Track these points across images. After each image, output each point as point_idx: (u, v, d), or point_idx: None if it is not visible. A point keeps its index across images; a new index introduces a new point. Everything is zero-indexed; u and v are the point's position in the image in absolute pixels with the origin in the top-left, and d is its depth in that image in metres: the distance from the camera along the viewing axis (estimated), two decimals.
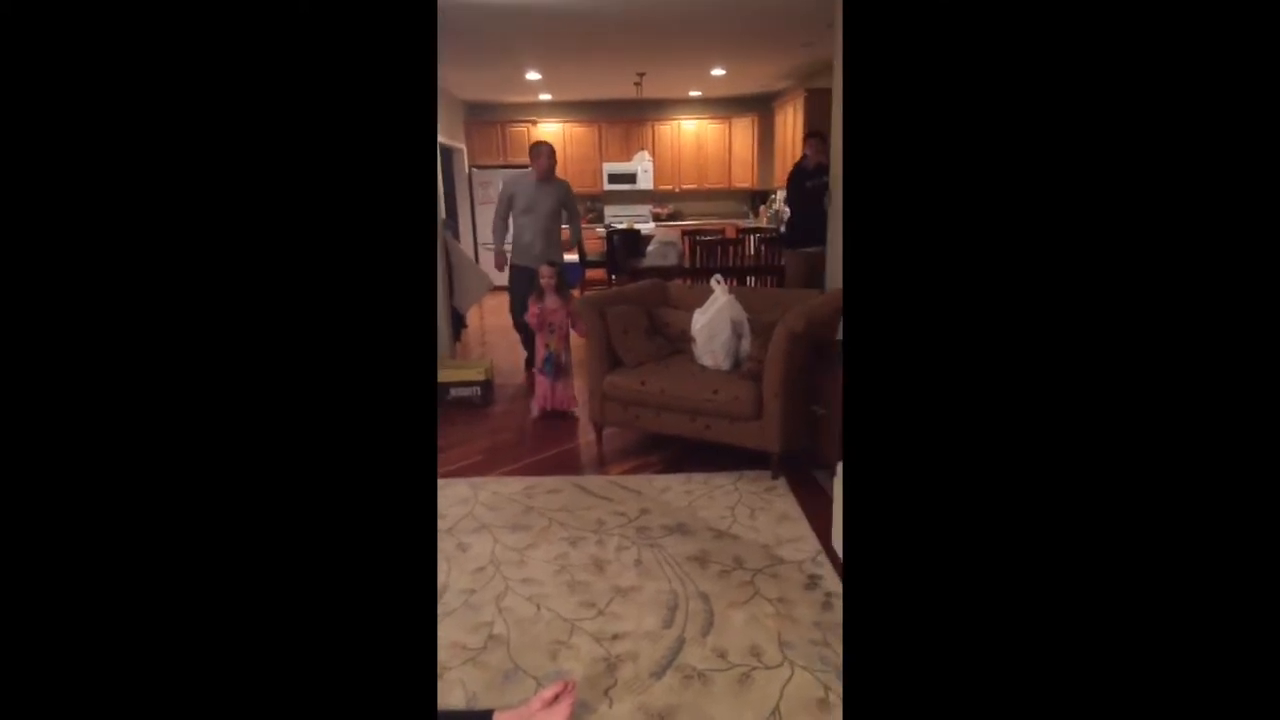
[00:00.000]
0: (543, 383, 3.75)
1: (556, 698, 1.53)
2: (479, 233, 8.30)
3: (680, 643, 1.87)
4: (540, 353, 3.76)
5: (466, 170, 8.23)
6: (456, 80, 6.88)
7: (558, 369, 3.72)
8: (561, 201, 4.42)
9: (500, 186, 4.37)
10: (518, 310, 4.35)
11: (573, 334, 3.74)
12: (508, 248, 4.47)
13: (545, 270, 3.73)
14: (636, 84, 7.08)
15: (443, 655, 1.83)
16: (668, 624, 1.96)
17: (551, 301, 3.73)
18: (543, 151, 4.31)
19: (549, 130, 8.51)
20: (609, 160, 8.52)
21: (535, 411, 3.75)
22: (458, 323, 4.84)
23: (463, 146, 8.20)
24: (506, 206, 4.39)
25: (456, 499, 2.77)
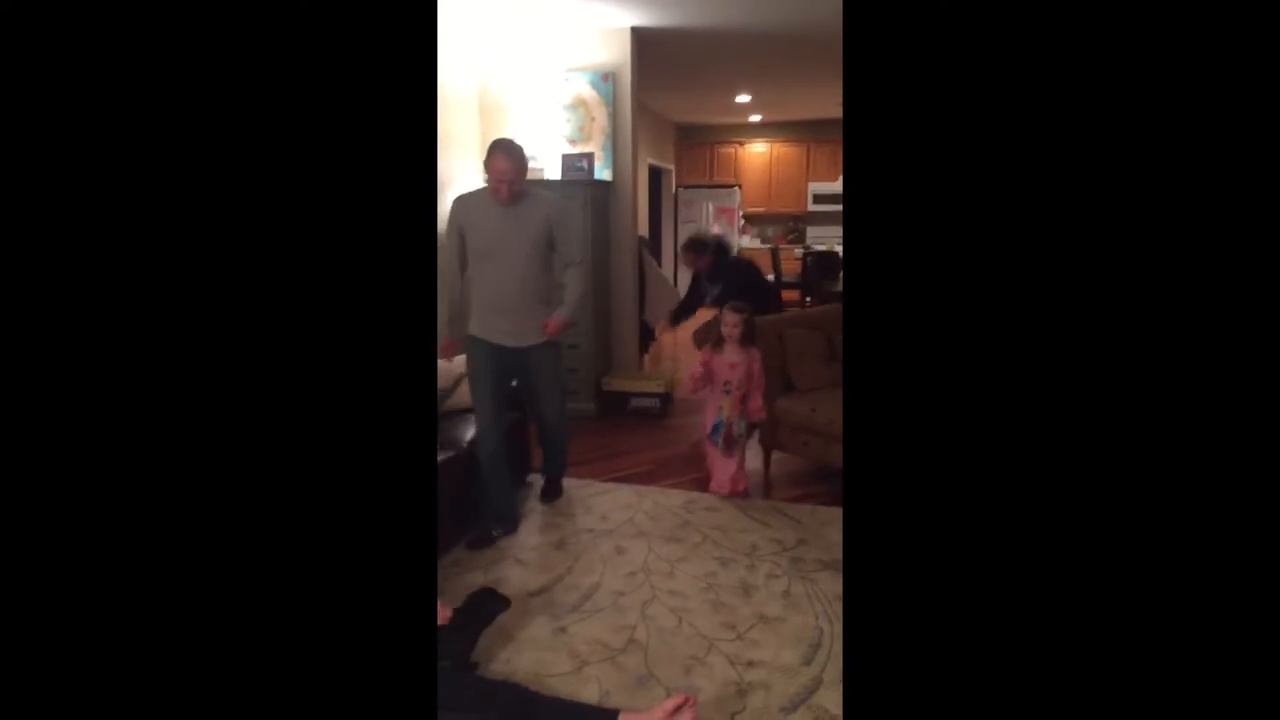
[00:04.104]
0: (715, 457, 2.99)
1: (678, 710, 1.56)
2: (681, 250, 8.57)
3: (817, 683, 1.81)
4: (710, 417, 3.00)
5: (674, 190, 8.55)
6: (668, 104, 7.18)
7: (729, 441, 2.94)
8: (547, 233, 2.42)
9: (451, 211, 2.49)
10: (484, 414, 2.47)
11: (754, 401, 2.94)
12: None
13: (731, 318, 2.90)
14: None
15: (584, 650, 1.94)
16: (807, 661, 1.90)
17: (733, 355, 2.93)
18: (501, 153, 2.26)
19: (756, 150, 8.56)
20: (815, 180, 8.37)
21: (713, 490, 2.98)
22: (647, 336, 5.04)
23: (671, 168, 8.52)
24: (458, 246, 2.47)
25: (620, 504, 2.89)
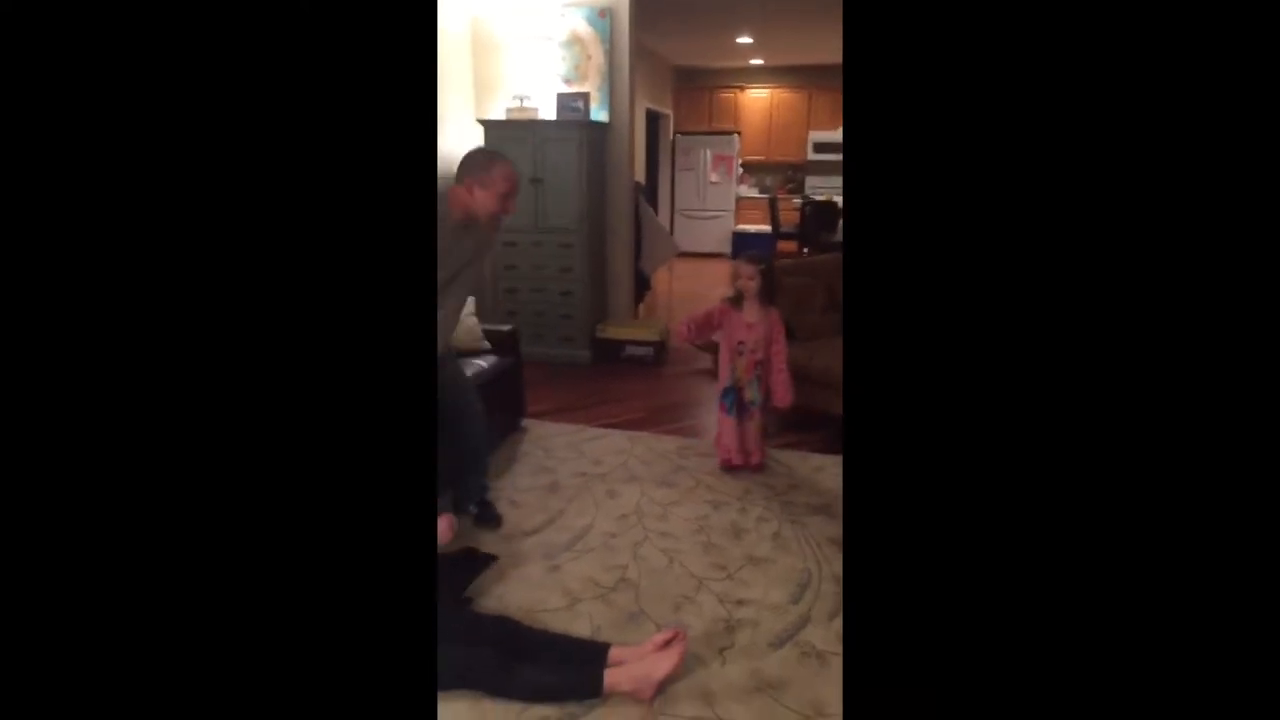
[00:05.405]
0: (726, 424, 2.70)
1: (668, 644, 1.59)
2: (677, 198, 8.44)
3: (804, 620, 1.84)
4: (722, 379, 2.72)
5: (671, 136, 8.37)
6: (667, 46, 6.98)
7: (741, 407, 2.68)
8: (477, 257, 2.18)
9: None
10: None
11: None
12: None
13: (746, 269, 2.62)
14: None
15: (576, 587, 1.97)
16: (795, 600, 1.93)
17: (751, 313, 2.64)
18: (496, 174, 1.98)
19: (757, 96, 8.36)
20: (816, 128, 8.21)
21: (720, 460, 2.75)
22: (642, 285, 5.00)
23: (669, 112, 8.33)
24: None
25: (613, 449, 2.91)
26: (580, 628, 1.80)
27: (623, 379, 3.86)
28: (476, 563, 1.95)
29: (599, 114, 4.05)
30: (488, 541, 2.18)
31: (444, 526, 1.75)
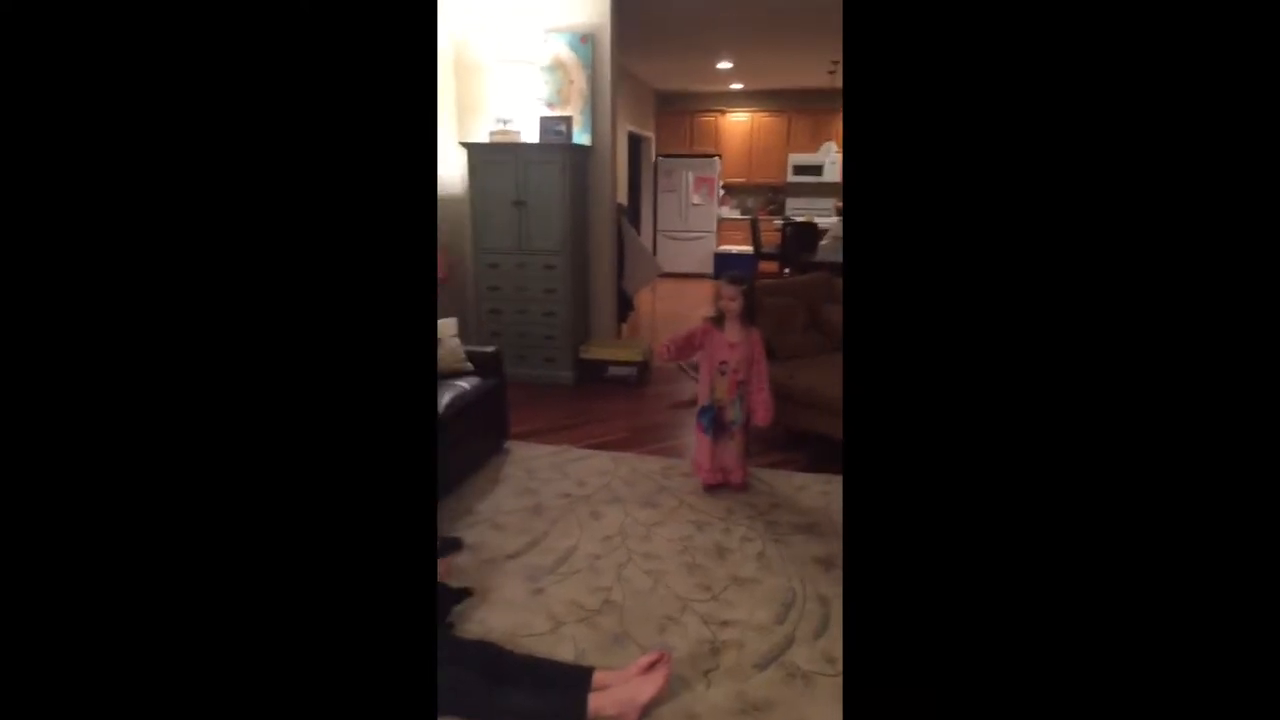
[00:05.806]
0: (702, 443, 2.71)
1: (652, 667, 1.58)
2: (659, 220, 8.50)
3: (789, 640, 1.84)
4: (701, 397, 2.73)
5: (653, 159, 8.45)
6: (649, 70, 7.07)
7: (719, 427, 2.68)
8: None
9: None
10: None
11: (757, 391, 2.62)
12: None
13: (728, 290, 2.61)
14: (831, 72, 6.85)
15: (560, 611, 1.95)
16: (780, 620, 1.93)
17: (733, 333, 2.64)
18: None
19: (737, 119, 8.48)
20: (795, 151, 8.33)
21: (700, 479, 2.74)
22: (625, 305, 5.02)
23: (651, 135, 8.42)
24: None
25: (597, 470, 2.90)
26: (564, 651, 1.78)
27: (606, 399, 3.86)
28: (450, 596, 1.92)
29: (581, 137, 4.09)
30: (464, 564, 2.16)
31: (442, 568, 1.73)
